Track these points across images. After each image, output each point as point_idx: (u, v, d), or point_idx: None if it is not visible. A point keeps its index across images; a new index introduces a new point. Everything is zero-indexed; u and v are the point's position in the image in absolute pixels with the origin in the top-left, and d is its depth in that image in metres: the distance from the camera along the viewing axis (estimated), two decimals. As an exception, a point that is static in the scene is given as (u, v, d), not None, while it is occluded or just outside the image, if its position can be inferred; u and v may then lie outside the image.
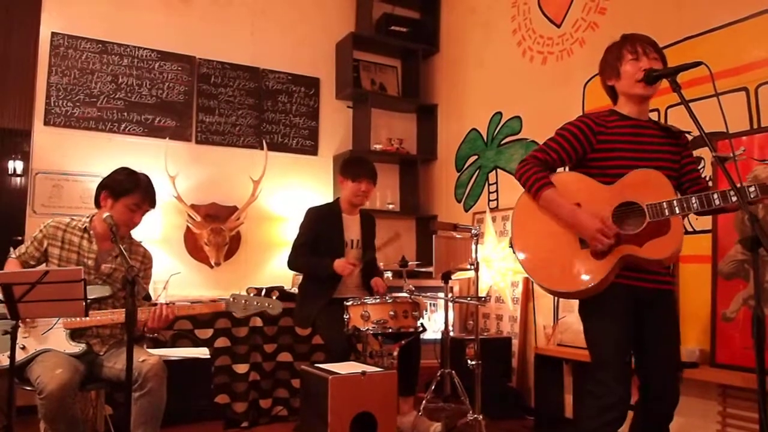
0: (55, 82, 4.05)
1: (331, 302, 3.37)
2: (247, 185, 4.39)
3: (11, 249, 2.61)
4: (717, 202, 1.89)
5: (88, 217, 2.66)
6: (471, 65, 4.86)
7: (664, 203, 1.97)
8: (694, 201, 1.93)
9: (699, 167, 3.03)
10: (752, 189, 1.84)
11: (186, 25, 4.50)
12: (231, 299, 2.57)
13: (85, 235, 2.61)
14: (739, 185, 1.79)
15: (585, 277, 2.03)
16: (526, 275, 2.40)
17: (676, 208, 1.95)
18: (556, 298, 3.67)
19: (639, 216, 2.02)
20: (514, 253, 2.22)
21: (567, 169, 2.23)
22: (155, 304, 2.54)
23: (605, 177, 2.09)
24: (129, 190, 2.58)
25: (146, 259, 2.78)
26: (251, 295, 2.61)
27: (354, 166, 3.61)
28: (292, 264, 3.54)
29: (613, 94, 2.24)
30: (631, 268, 2.04)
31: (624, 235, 2.01)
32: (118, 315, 2.50)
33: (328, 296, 3.41)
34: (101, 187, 2.64)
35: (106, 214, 2.45)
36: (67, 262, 2.55)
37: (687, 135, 2.28)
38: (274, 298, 2.63)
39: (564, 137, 2.15)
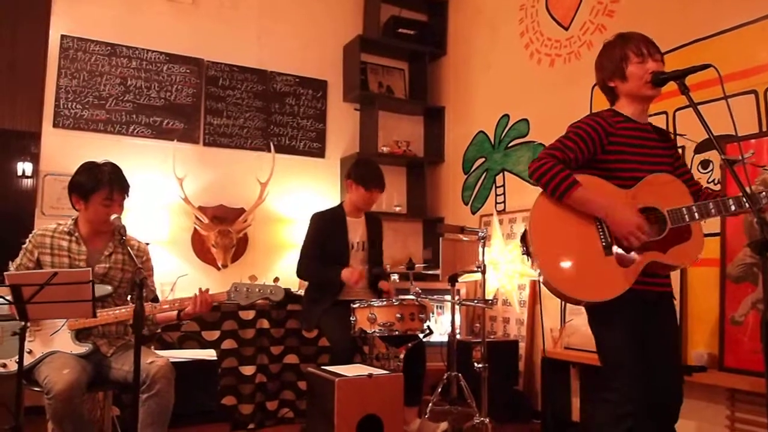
0: (64, 85, 4.07)
1: (337, 304, 3.37)
2: (254, 187, 4.40)
3: (9, 263, 2.59)
4: (733, 208, 1.91)
5: (72, 220, 2.64)
6: (478, 68, 4.86)
7: (684, 209, 1.97)
8: (711, 207, 1.95)
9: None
10: (763, 195, 1.84)
11: (194, 28, 4.52)
12: (233, 288, 2.55)
13: (72, 238, 2.59)
14: (748, 189, 1.78)
15: (613, 286, 1.98)
16: (537, 279, 2.34)
17: (696, 214, 1.96)
18: (563, 301, 3.65)
19: (659, 222, 2.01)
20: (529, 259, 2.07)
21: None
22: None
23: (613, 180, 2.07)
24: (95, 188, 2.52)
25: (141, 252, 2.74)
26: (253, 282, 2.60)
27: (367, 173, 3.55)
28: (301, 273, 3.54)
29: (612, 94, 2.20)
30: (641, 273, 2.02)
31: (648, 241, 1.99)
32: (122, 313, 2.51)
33: (333, 298, 3.41)
34: (70, 190, 2.58)
35: (113, 216, 2.46)
36: (60, 267, 2.52)
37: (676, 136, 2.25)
38: (276, 283, 2.62)
39: (580, 136, 2.05)
